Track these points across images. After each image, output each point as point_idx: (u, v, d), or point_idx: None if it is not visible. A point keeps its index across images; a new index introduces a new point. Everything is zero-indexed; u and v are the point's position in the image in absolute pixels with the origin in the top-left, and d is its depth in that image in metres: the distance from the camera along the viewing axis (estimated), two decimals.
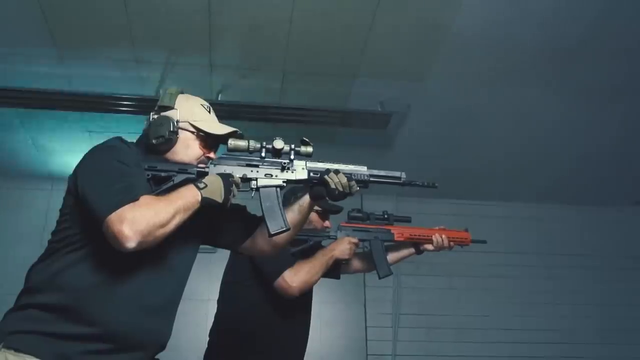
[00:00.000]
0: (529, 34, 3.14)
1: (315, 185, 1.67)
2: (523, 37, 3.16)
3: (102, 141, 1.53)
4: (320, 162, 1.70)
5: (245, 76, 3.51)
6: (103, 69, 3.37)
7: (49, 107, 3.58)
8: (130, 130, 3.46)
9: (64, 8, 2.91)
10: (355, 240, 2.45)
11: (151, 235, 1.34)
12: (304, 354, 2.39)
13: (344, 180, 1.64)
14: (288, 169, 1.67)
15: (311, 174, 1.68)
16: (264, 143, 1.64)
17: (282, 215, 1.63)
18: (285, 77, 3.51)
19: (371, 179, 1.72)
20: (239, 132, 1.67)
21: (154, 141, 1.58)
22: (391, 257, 2.57)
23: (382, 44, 3.21)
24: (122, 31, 3.06)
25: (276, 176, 1.67)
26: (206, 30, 3.08)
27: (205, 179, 1.52)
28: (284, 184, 1.67)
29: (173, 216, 1.38)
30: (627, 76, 3.50)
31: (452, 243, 2.56)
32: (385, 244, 2.55)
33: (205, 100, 1.75)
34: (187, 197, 1.44)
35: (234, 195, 1.56)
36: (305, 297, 2.32)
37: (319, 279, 2.29)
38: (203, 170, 1.60)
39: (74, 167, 1.51)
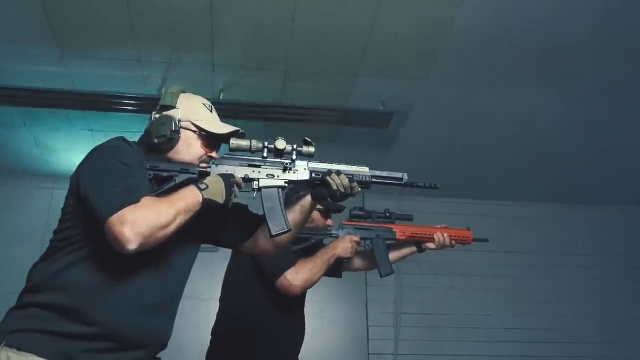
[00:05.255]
0: (530, 34, 3.14)
1: (317, 186, 1.67)
2: (524, 36, 3.16)
3: (104, 140, 1.53)
4: (322, 162, 1.69)
5: (247, 75, 3.51)
6: (105, 68, 3.38)
7: (51, 107, 3.59)
8: (133, 129, 3.48)
9: (67, 7, 2.92)
10: (357, 238, 2.46)
11: (152, 237, 1.34)
12: (299, 351, 2.40)
13: (346, 181, 1.63)
14: (290, 169, 1.67)
15: (313, 175, 1.67)
16: (266, 143, 1.63)
17: (284, 216, 1.63)
18: (287, 77, 3.51)
19: (373, 180, 1.71)
20: (241, 131, 1.66)
21: (156, 141, 1.58)
22: (393, 255, 2.57)
23: (384, 43, 3.21)
24: (124, 30, 3.06)
25: (278, 177, 1.66)
26: (208, 29, 3.08)
27: (207, 180, 1.51)
28: (286, 185, 1.67)
29: (174, 218, 1.38)
30: (628, 76, 3.49)
31: (454, 242, 2.56)
32: (387, 242, 2.55)
33: (208, 99, 1.75)
34: (189, 199, 1.44)
35: (235, 196, 1.56)
36: (303, 295, 2.33)
37: (321, 277, 2.29)
38: (205, 170, 1.60)
39: (77, 166, 1.51)
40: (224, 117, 1.76)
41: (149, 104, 3.32)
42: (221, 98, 3.59)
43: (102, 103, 3.52)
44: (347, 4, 2.94)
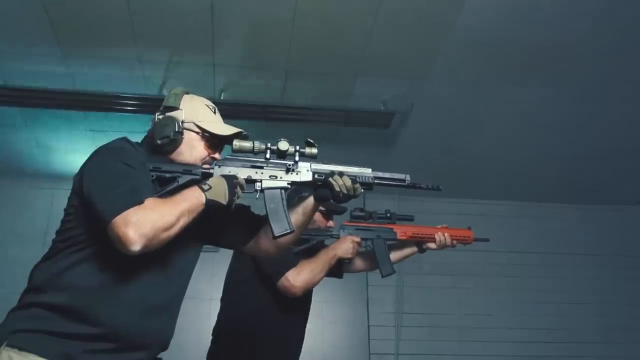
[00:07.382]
0: (530, 34, 3.14)
1: (320, 187, 1.67)
2: (525, 36, 3.16)
3: (105, 141, 1.53)
4: (325, 163, 1.69)
5: (247, 75, 3.52)
6: (106, 68, 3.38)
7: (52, 107, 3.59)
8: (134, 129, 3.46)
9: (67, 7, 2.92)
10: (357, 239, 2.45)
11: (156, 238, 1.34)
12: (300, 352, 2.41)
13: (349, 183, 1.63)
14: (293, 170, 1.66)
15: (316, 176, 1.67)
16: (269, 144, 1.63)
17: (287, 217, 1.63)
18: (288, 76, 3.51)
19: (376, 181, 1.71)
20: (244, 132, 1.66)
21: (159, 142, 1.58)
22: (394, 255, 2.57)
23: (385, 43, 3.21)
24: (125, 30, 3.07)
25: (281, 178, 1.66)
26: (209, 29, 3.08)
27: (210, 181, 1.51)
28: (289, 186, 1.67)
29: (178, 219, 1.38)
30: (628, 76, 3.50)
31: (454, 241, 2.56)
32: (388, 242, 2.55)
33: (208, 99, 1.75)
34: (192, 200, 1.44)
35: (238, 197, 1.56)
36: (306, 296, 2.33)
37: (322, 278, 2.29)
38: (208, 171, 1.60)
39: (79, 166, 1.51)
40: (225, 117, 1.76)
41: (150, 104, 3.33)
42: (222, 98, 3.59)
43: (103, 103, 3.52)
44: (347, 4, 2.94)
